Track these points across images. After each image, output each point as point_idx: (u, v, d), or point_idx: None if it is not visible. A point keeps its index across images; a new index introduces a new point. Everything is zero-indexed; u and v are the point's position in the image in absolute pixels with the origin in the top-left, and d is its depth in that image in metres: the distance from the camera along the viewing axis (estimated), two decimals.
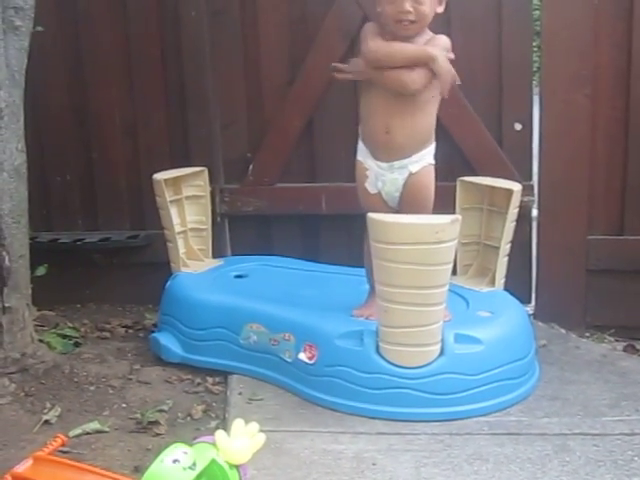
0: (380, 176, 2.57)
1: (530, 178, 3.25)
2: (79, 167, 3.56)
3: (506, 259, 2.86)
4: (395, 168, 2.55)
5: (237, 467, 1.78)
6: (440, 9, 2.48)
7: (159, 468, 1.67)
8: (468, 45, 3.03)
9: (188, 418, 2.52)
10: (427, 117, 2.52)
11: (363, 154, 2.61)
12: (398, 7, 2.42)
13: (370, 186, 2.60)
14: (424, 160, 2.55)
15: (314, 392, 2.53)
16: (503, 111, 3.20)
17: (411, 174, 2.54)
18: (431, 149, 2.57)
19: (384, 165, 2.56)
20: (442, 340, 2.41)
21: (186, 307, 2.88)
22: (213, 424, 2.47)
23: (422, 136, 2.53)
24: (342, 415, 2.44)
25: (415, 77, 2.44)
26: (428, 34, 2.50)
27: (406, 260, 2.30)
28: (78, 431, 2.40)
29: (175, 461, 1.67)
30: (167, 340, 2.89)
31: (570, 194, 3.11)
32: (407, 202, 2.56)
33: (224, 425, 2.37)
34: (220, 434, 1.78)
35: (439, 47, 2.46)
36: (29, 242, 2.75)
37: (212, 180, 3.23)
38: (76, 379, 2.72)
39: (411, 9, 2.41)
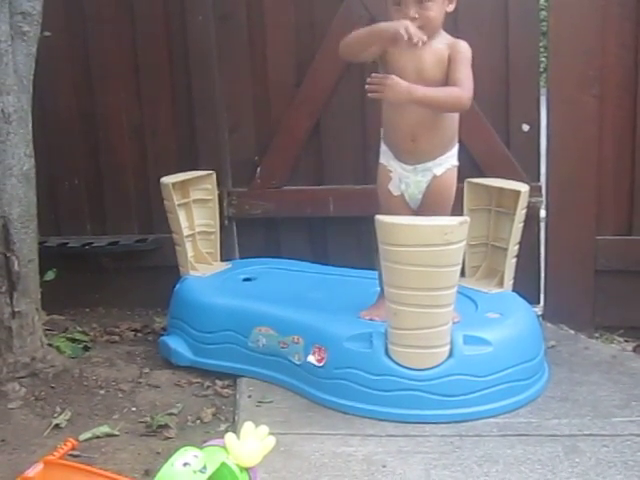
0: (404, 178, 2.58)
1: (538, 179, 3.25)
2: (87, 172, 3.57)
3: (514, 260, 2.86)
4: (419, 171, 2.55)
5: (247, 470, 1.78)
6: (450, 7, 2.47)
7: (169, 471, 1.67)
8: (475, 46, 3.00)
9: (198, 421, 2.52)
10: (452, 121, 2.53)
11: (386, 157, 2.61)
12: (404, 15, 2.42)
13: (393, 187, 2.60)
14: (448, 162, 2.55)
15: (323, 395, 2.53)
16: (510, 112, 3.20)
17: (435, 177, 2.55)
18: (454, 151, 2.57)
19: (408, 167, 2.56)
20: (451, 342, 2.41)
21: (195, 310, 2.88)
22: (223, 427, 2.47)
23: (447, 140, 2.54)
24: (351, 417, 2.44)
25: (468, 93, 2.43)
26: (445, 37, 2.50)
27: (415, 262, 2.30)
28: (88, 435, 2.40)
29: (185, 464, 1.67)
30: (176, 343, 2.90)
31: (578, 194, 3.10)
32: (428, 203, 2.57)
33: (234, 428, 2.37)
34: (230, 437, 1.79)
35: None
36: (38, 247, 2.75)
37: (220, 183, 3.24)
38: (86, 383, 2.73)
39: (416, 15, 2.41)
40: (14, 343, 2.66)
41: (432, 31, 2.46)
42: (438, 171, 2.54)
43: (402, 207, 2.59)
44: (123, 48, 3.43)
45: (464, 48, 2.48)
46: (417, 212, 2.60)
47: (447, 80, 2.47)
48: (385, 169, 2.62)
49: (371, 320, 2.60)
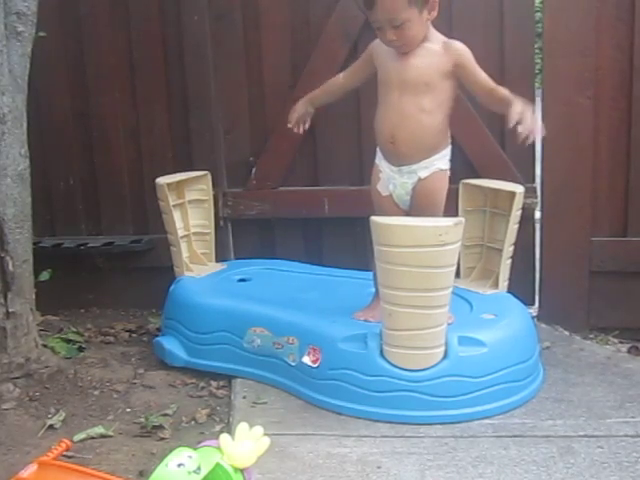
0: (391, 179, 2.59)
1: (533, 180, 3.25)
2: (82, 172, 3.57)
3: (509, 261, 2.86)
4: (404, 172, 2.56)
5: (242, 471, 1.78)
6: (433, 15, 2.46)
7: (164, 472, 1.67)
8: (470, 48, 3.02)
9: (192, 422, 2.52)
10: (434, 125, 2.51)
11: (379, 157, 2.64)
12: (384, 37, 2.45)
13: (382, 188, 2.62)
14: (434, 166, 2.55)
15: (318, 395, 2.53)
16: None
17: (420, 179, 2.55)
18: (443, 155, 2.56)
19: (394, 169, 2.58)
20: (446, 343, 2.41)
21: (190, 311, 2.88)
22: (217, 428, 2.47)
23: (429, 144, 2.53)
24: (346, 418, 2.44)
25: None
26: (437, 39, 2.50)
27: (410, 263, 2.30)
28: (82, 435, 2.40)
29: (180, 465, 1.67)
30: (171, 344, 2.89)
31: (573, 196, 3.11)
32: (416, 206, 2.58)
33: (228, 429, 2.37)
34: (224, 438, 1.79)
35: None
36: (33, 247, 2.75)
37: (215, 184, 3.24)
38: (80, 384, 2.73)
39: (394, 37, 2.43)
40: (8, 344, 2.65)
41: (414, 44, 2.47)
42: (423, 174, 2.54)
43: (391, 207, 2.61)
44: (118, 48, 3.43)
45: (465, 51, 2.48)
46: (407, 213, 2.61)
47: (472, 86, 2.51)
48: (377, 169, 2.64)
49: (366, 321, 2.60)
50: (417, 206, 2.58)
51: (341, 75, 2.76)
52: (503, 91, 2.45)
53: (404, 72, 2.48)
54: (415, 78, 2.47)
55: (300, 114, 2.80)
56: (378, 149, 2.64)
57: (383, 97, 2.56)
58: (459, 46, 2.49)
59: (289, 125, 2.83)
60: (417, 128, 2.50)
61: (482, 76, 2.50)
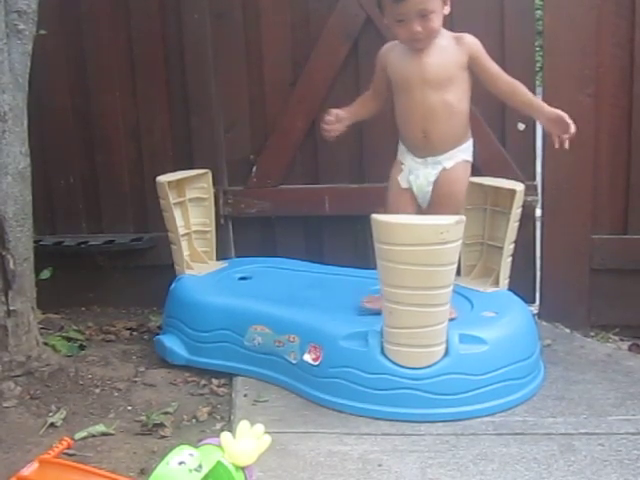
0: (414, 170, 2.63)
1: (533, 178, 3.25)
2: (83, 170, 3.57)
3: (510, 259, 2.86)
4: (429, 163, 2.61)
5: (243, 469, 1.78)
6: (447, 10, 2.50)
7: (165, 470, 1.67)
8: None
9: (193, 420, 2.52)
10: (460, 116, 2.59)
11: (402, 153, 2.68)
12: (408, 30, 2.46)
13: (402, 180, 2.65)
14: (458, 157, 2.60)
15: (319, 393, 2.53)
16: (506, 111, 3.19)
17: (444, 169, 2.59)
18: (466, 146, 2.63)
19: (419, 160, 2.62)
20: (447, 340, 2.41)
21: (190, 309, 2.88)
22: (218, 426, 2.47)
23: (457, 134, 2.59)
24: (347, 416, 2.44)
25: None
26: (447, 36, 2.53)
27: (410, 261, 2.30)
28: (83, 434, 2.40)
29: (181, 463, 1.67)
30: (172, 342, 2.89)
31: (574, 193, 3.11)
32: (438, 196, 2.60)
33: (229, 427, 2.37)
34: (225, 436, 1.79)
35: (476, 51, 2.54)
36: (33, 245, 2.75)
37: (216, 182, 3.24)
38: (81, 382, 2.73)
39: (420, 29, 2.45)
40: (9, 342, 2.65)
41: (433, 38, 2.51)
42: (448, 164, 2.59)
43: (407, 202, 2.64)
44: (119, 46, 3.42)
45: (477, 44, 2.54)
46: (426, 210, 2.63)
47: (486, 77, 2.56)
48: (398, 163, 2.68)
49: (372, 308, 2.60)
50: (438, 196, 2.60)
51: (370, 89, 2.77)
52: (523, 89, 2.55)
53: (424, 71, 2.52)
54: (436, 75, 2.51)
55: (342, 118, 2.73)
56: (400, 145, 2.67)
57: (405, 96, 2.58)
58: (471, 39, 2.54)
59: (326, 128, 2.75)
60: (447, 120, 2.55)
61: (495, 68, 2.56)
